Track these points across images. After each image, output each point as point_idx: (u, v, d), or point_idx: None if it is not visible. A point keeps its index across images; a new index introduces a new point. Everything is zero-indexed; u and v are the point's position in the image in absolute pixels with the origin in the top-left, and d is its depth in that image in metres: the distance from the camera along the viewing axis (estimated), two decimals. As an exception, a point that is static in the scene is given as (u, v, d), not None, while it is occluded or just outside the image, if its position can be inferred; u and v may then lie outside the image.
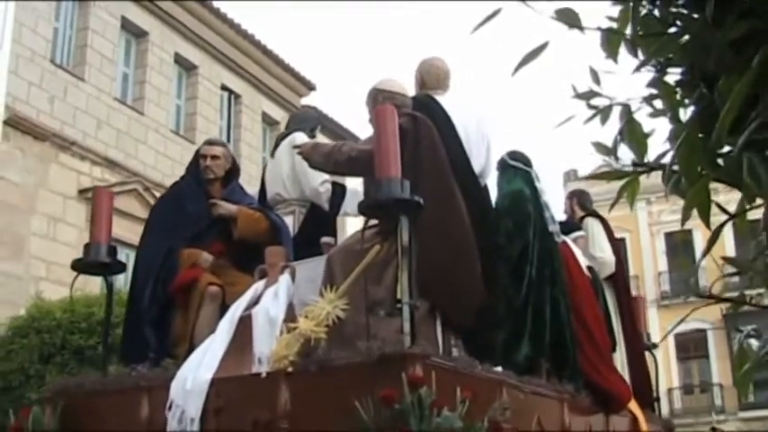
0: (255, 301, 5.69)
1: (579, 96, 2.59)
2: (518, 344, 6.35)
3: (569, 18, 2.44)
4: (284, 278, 5.77)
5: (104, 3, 19.43)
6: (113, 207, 6.28)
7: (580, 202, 9.20)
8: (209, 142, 7.28)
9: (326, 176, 7.12)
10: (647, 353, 9.10)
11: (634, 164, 2.61)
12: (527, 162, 7.15)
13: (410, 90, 6.53)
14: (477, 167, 6.37)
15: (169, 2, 21.06)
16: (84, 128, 18.35)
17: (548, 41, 2.45)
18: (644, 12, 2.49)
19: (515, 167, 7.07)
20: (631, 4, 2.45)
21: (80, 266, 6.21)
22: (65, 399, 5.73)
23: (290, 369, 4.98)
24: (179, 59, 21.84)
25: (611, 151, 2.60)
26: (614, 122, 2.59)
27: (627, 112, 2.57)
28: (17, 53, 16.70)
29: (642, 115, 2.56)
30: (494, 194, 6.87)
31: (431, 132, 5.87)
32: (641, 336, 8.83)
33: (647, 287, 40.03)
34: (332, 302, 5.12)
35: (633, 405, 7.67)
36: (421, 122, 5.86)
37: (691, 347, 40.78)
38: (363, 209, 5.26)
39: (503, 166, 7.11)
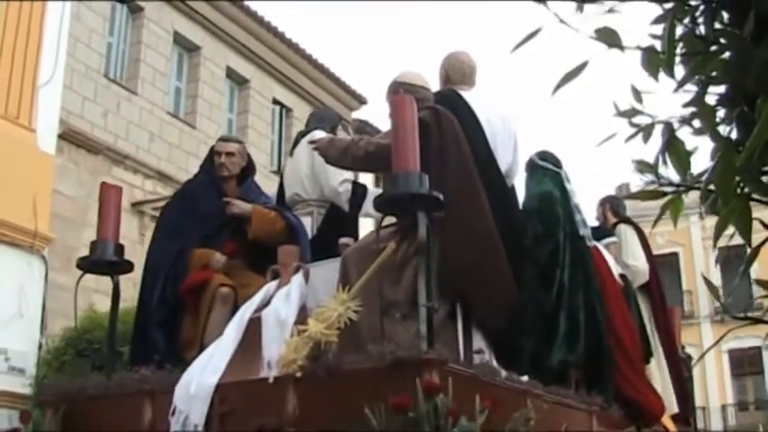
0: (266, 303, 5.42)
1: (621, 114, 2.57)
2: (549, 350, 6.07)
3: (609, 37, 2.44)
4: (297, 279, 5.50)
5: (157, 17, 19.63)
6: (122, 204, 6.02)
7: (613, 208, 8.83)
8: (224, 139, 7.04)
9: (347, 175, 6.82)
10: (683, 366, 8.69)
11: (671, 183, 2.61)
12: (557, 163, 6.85)
13: (434, 86, 6.25)
14: (503, 167, 6.07)
15: (221, 16, 21.18)
16: (137, 141, 18.48)
17: (587, 60, 2.45)
18: (686, 30, 2.48)
19: (545, 168, 6.78)
20: (667, 24, 2.40)
21: (85, 265, 5.95)
22: (66, 402, 5.49)
23: (298, 374, 4.70)
24: (231, 73, 21.94)
25: (652, 168, 2.58)
26: (657, 140, 2.58)
27: (669, 129, 2.55)
28: (72, 68, 16.79)
29: (686, 133, 2.55)
30: (522, 196, 6.56)
31: (453, 126, 5.58)
32: (677, 348, 8.44)
33: (701, 302, 39.55)
34: (344, 304, 4.83)
35: (667, 420, 7.32)
36: (443, 115, 5.57)
37: (745, 364, 40.13)
38: (379, 205, 4.96)
39: (531, 166, 6.82)
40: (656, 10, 2.50)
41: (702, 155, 2.53)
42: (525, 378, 5.42)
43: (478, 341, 5.50)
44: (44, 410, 5.52)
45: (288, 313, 5.24)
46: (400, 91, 5.61)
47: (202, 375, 5.09)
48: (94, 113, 17.65)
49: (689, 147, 2.56)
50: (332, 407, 4.51)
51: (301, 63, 23.70)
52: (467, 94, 6.16)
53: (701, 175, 2.55)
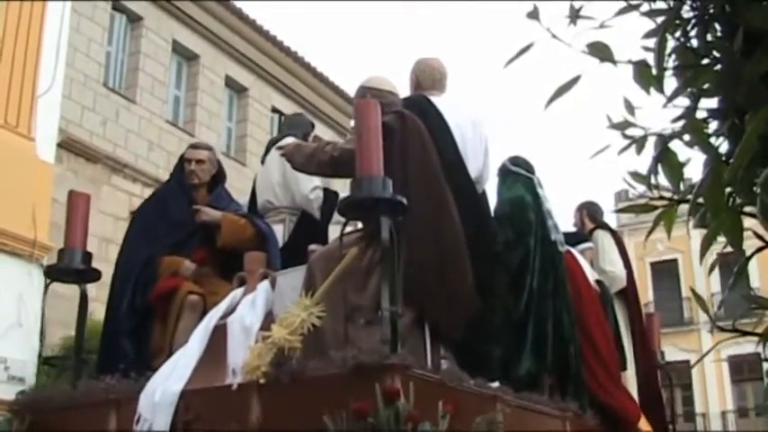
0: (232, 310, 5.40)
1: (614, 127, 2.59)
2: (518, 358, 6.02)
3: (601, 52, 2.47)
4: (263, 286, 5.48)
5: (156, 26, 19.76)
6: (89, 211, 5.99)
7: (590, 213, 8.77)
8: (194, 146, 7.02)
9: (317, 182, 6.80)
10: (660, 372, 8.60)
11: (662, 197, 2.63)
12: (529, 168, 6.82)
13: (405, 91, 6.22)
14: (473, 172, 6.01)
15: (220, 25, 21.31)
16: (136, 150, 18.58)
17: (579, 75, 2.50)
18: (679, 43, 2.51)
19: (516, 173, 6.75)
20: (658, 38, 2.44)
21: (53, 273, 5.92)
22: (32, 412, 5.46)
23: (262, 380, 4.67)
24: (230, 82, 22.07)
25: (646, 180, 2.61)
26: (650, 151, 2.60)
27: (661, 141, 2.56)
28: (71, 77, 16.86)
29: (679, 144, 2.56)
30: (493, 201, 6.51)
31: (419, 130, 5.54)
32: (653, 354, 8.36)
33: (700, 309, 39.26)
34: (307, 309, 4.79)
35: (644, 425, 7.26)
36: (408, 119, 5.53)
37: (745, 370, 39.95)
38: (342, 210, 4.93)
39: (503, 172, 6.79)
40: (649, 23, 2.52)
41: (696, 166, 2.55)
42: (495, 384, 5.38)
43: (443, 348, 5.46)
44: (12, 421, 5.48)
45: (253, 320, 5.21)
46: (367, 96, 5.58)
47: (167, 383, 5.05)
48: (93, 122, 17.79)
49: (682, 158, 2.57)
50: (296, 413, 4.46)
51: (300, 71, 23.80)
52: (437, 100, 6.10)
53: (692, 186, 2.55)
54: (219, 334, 5.25)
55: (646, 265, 41.63)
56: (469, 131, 6.13)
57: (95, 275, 6.00)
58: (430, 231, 5.32)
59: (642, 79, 2.50)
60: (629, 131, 2.57)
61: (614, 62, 2.48)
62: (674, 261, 41.37)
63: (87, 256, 5.87)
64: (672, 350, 31.19)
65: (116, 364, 5.75)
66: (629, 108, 2.57)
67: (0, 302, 11.06)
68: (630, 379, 7.79)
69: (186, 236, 6.56)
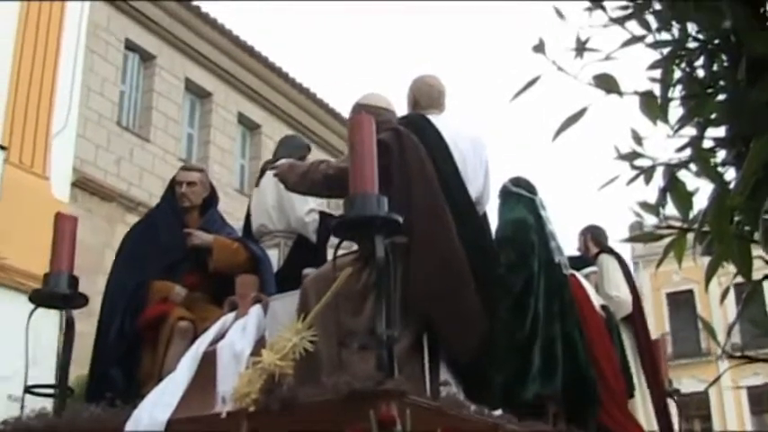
0: (222, 335, 5.20)
1: (622, 157, 2.62)
2: (522, 384, 5.82)
3: (607, 84, 2.51)
4: (254, 310, 5.27)
5: (169, 65, 19.84)
6: (76, 234, 5.80)
7: (594, 237, 8.56)
8: (186, 168, 6.85)
9: (313, 205, 6.58)
10: (669, 400, 8.35)
11: (669, 226, 2.64)
12: (531, 189, 6.64)
13: (403, 110, 6.05)
14: (473, 193, 5.81)
15: (232, 62, 21.34)
16: (150, 188, 18.30)
17: (586, 107, 2.54)
18: (685, 73, 2.55)
19: (518, 194, 6.57)
20: (663, 70, 2.50)
21: (37, 298, 5.72)
22: (14, 443, 5.27)
23: (251, 408, 4.47)
24: (242, 119, 22.01)
25: (654, 210, 2.60)
26: (659, 181, 2.66)
27: (669, 172, 2.59)
28: (85, 116, 16.97)
29: (688, 174, 2.59)
30: (495, 224, 6.32)
31: (416, 148, 5.35)
32: (662, 381, 8.13)
33: (719, 339, 39.02)
34: (298, 333, 4.59)
35: (652, 455, 7.06)
36: (405, 137, 5.35)
37: (764, 400, 39.56)
38: (335, 229, 4.72)
39: (505, 193, 6.61)
40: (654, 54, 2.56)
41: (706, 194, 2.55)
42: (498, 412, 5.18)
43: (445, 373, 5.24)
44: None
45: (243, 346, 5.01)
46: (362, 113, 5.40)
47: (153, 411, 4.86)
48: (107, 161, 17.76)
49: (691, 187, 2.59)
50: (288, 442, 4.29)
51: (313, 108, 23.77)
52: (435, 119, 5.91)
53: (698, 215, 2.56)
54: (208, 361, 5.04)
55: (662, 296, 41.48)
56: (470, 152, 5.93)
57: (82, 301, 5.78)
58: (431, 250, 5.10)
59: (648, 110, 2.53)
60: (638, 162, 2.60)
61: (620, 93, 2.51)
62: (690, 291, 41.02)
63: (74, 281, 5.67)
64: (690, 381, 30.95)
65: (104, 393, 5.56)
66: (637, 139, 2.59)
67: (16, 341, 11.03)
68: (639, 406, 7.58)
69: (177, 260, 6.36)
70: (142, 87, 19.54)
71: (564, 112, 2.56)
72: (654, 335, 9.00)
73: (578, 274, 7.29)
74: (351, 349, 4.73)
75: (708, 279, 2.52)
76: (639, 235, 2.82)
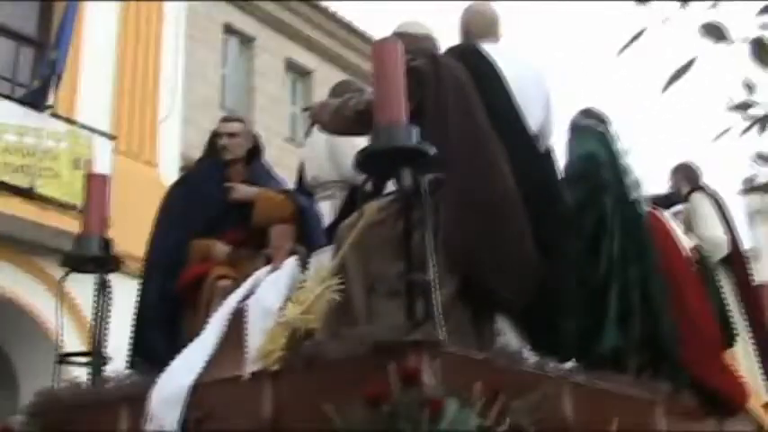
0: (255, 291, 4.81)
1: (735, 107, 2.58)
2: (599, 333, 5.26)
3: (716, 32, 2.45)
4: (289, 263, 4.87)
5: (268, 45, 20.24)
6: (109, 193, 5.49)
7: (687, 175, 7.92)
8: (226, 119, 6.52)
9: (365, 149, 6.14)
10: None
11: None
12: (603, 120, 6.04)
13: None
14: (533, 125, 5.29)
15: (332, 40, 21.68)
16: (258, 169, 18.48)
17: (695, 57, 2.52)
18: None
19: (588, 127, 5.98)
20: None
21: (70, 261, 5.41)
22: (45, 414, 4.97)
23: (274, 367, 4.05)
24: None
25: None
26: None
27: None
28: (189, 102, 17.29)
29: None
30: (563, 159, 5.77)
31: (456, 75, 4.86)
32: (765, 327, 7.42)
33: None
34: (323, 282, 4.14)
35: (757, 407, 6.37)
36: (443, 64, 4.87)
37: None
38: (359, 164, 4.22)
39: (574, 127, 6.02)
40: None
41: None
42: (569, 365, 4.64)
43: (501, 322, 4.74)
44: (24, 423, 5.02)
45: (274, 301, 4.58)
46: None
47: (178, 376, 4.50)
48: (214, 144, 17.85)
49: None
50: (312, 402, 3.77)
51: (367, 50, 23.50)
52: (489, 48, 5.41)
53: None
54: (239, 318, 4.65)
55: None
56: (528, 81, 5.40)
57: (115, 264, 5.48)
58: (476, 188, 4.61)
59: (761, 57, 2.46)
60: (751, 111, 2.56)
61: (730, 41, 2.45)
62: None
63: (105, 243, 5.35)
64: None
65: (146, 358, 5.27)
66: (749, 88, 2.54)
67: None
68: (740, 356, 6.90)
69: (219, 216, 6.05)
70: (244, 69, 19.90)
71: (669, 66, 2.53)
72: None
73: (665, 213, 6.68)
74: (379, 295, 4.28)
75: None
76: (758, 185, 2.90)
